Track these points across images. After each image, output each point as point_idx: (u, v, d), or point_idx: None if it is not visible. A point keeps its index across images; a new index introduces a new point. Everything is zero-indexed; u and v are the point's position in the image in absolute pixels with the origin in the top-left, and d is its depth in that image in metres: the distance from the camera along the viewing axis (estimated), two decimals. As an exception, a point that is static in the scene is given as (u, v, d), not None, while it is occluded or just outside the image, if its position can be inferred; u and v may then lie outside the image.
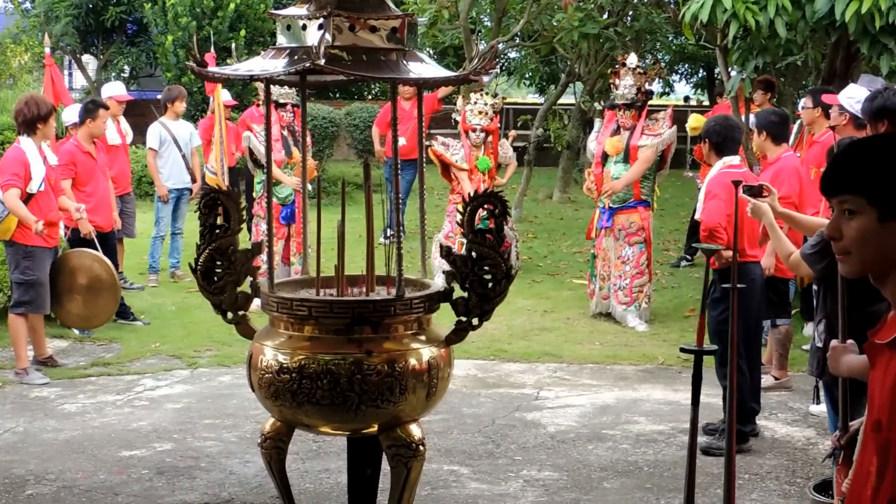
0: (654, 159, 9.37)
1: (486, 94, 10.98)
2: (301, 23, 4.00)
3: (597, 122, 10.14)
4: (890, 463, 2.18)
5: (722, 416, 6.29)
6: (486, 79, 10.47)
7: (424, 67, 4.08)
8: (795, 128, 9.21)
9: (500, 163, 11.07)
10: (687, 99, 32.54)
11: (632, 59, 9.63)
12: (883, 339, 2.27)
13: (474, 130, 10.62)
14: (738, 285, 5.83)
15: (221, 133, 11.01)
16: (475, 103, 10.66)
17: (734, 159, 6.48)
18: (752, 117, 9.54)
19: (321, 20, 3.91)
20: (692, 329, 9.13)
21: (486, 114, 10.67)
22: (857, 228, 2.26)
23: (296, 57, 3.94)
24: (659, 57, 22.31)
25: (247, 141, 9.87)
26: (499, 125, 11.13)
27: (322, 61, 3.72)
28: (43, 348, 8.00)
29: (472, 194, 4.11)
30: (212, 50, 12.95)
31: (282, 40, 4.09)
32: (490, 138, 10.75)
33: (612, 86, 9.78)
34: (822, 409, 6.19)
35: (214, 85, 11.13)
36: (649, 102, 9.63)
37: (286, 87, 9.20)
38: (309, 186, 5.13)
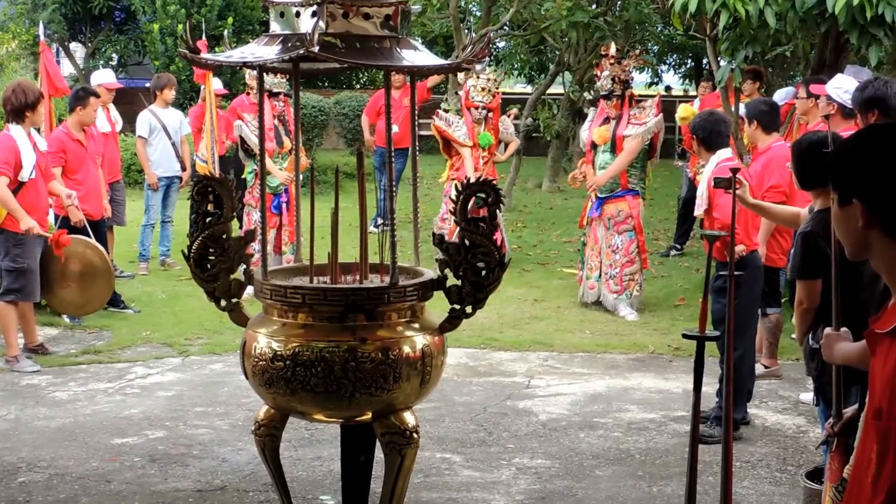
0: (642, 148, 9.38)
1: (492, 69, 11.03)
2: (294, 10, 3.98)
3: (591, 112, 10.16)
4: (890, 450, 2.20)
5: (713, 404, 6.32)
6: (478, 67, 10.41)
7: (418, 55, 4.07)
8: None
9: (502, 140, 11.14)
10: (668, 89, 32.53)
11: (612, 50, 9.69)
12: (883, 327, 2.29)
13: (477, 108, 10.68)
14: (745, 273, 5.88)
15: (212, 121, 11.00)
16: (478, 78, 10.68)
17: (727, 152, 6.49)
18: (741, 107, 9.58)
19: (315, 7, 3.90)
20: (683, 318, 9.23)
21: (489, 91, 10.72)
22: (832, 213, 2.43)
23: (289, 44, 3.93)
24: (647, 47, 22.35)
25: (238, 130, 9.84)
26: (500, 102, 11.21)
27: (316, 48, 3.71)
28: (33, 336, 7.98)
29: (466, 180, 4.11)
30: (203, 37, 12.92)
31: (275, 27, 4.07)
32: (491, 115, 10.82)
33: (595, 77, 9.86)
34: (811, 396, 6.22)
35: (204, 73, 11.11)
36: (638, 93, 9.66)
37: (277, 76, 9.18)
38: (301, 176, 5.10)
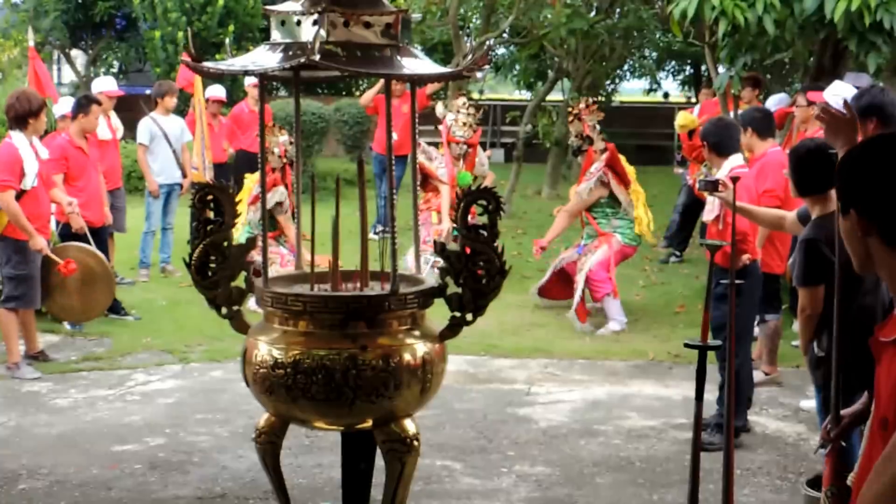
0: (603, 201, 9.38)
1: (471, 102, 10.94)
2: (295, 18, 4.00)
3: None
4: None
5: (713, 411, 6.32)
6: (479, 75, 10.35)
7: (418, 63, 4.08)
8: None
9: (477, 175, 10.93)
10: (667, 96, 32.53)
11: (581, 106, 9.60)
12: (888, 335, 2.28)
13: (458, 143, 10.54)
14: (747, 281, 5.89)
15: (203, 129, 11.01)
16: (458, 112, 10.52)
17: (739, 158, 6.49)
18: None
19: (316, 16, 3.91)
20: (682, 325, 9.23)
21: (470, 125, 10.56)
22: (840, 224, 2.40)
23: (290, 52, 3.94)
24: (645, 53, 22.39)
25: None
26: (480, 137, 11.11)
27: (317, 57, 3.72)
28: (34, 343, 7.99)
29: (460, 195, 4.12)
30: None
31: (276, 36, 4.08)
32: (470, 150, 10.68)
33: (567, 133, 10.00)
34: (812, 404, 6.23)
35: (191, 81, 11.15)
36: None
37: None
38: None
